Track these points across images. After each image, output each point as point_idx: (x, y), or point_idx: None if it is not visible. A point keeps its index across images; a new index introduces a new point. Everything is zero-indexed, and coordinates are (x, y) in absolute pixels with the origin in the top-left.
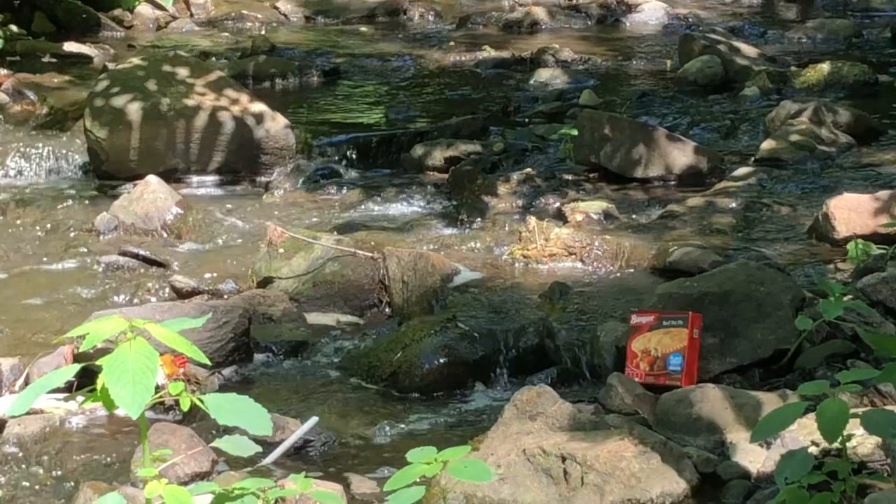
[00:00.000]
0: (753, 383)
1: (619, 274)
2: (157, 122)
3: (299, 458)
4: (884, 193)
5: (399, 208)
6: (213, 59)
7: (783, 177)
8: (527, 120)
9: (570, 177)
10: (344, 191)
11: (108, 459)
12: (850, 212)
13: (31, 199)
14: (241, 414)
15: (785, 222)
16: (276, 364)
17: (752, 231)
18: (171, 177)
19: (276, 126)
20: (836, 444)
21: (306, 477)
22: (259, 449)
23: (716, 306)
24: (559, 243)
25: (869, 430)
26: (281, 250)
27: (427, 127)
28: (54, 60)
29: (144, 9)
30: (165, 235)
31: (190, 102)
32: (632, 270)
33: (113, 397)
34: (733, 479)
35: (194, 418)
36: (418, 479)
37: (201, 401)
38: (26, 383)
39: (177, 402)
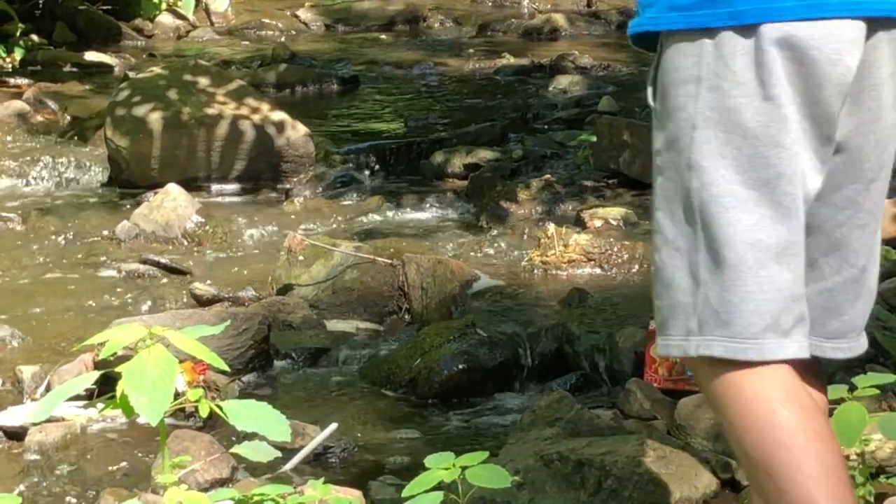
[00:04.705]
0: None
1: (637, 279)
2: (177, 131)
3: (319, 464)
4: None
5: (418, 215)
6: (234, 67)
7: None
8: (546, 126)
9: (589, 183)
10: (363, 198)
11: (129, 466)
12: None
13: (53, 207)
14: (260, 420)
15: None
16: (295, 371)
17: None
18: (192, 185)
19: (296, 134)
20: (853, 449)
21: (325, 483)
22: (279, 454)
23: None
24: (578, 249)
25: (887, 434)
26: (300, 258)
27: (446, 134)
28: (75, 70)
29: (165, 18)
30: (186, 243)
31: (211, 111)
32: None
33: (132, 404)
34: None
35: (214, 425)
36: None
37: (220, 407)
38: (47, 391)
39: (196, 409)
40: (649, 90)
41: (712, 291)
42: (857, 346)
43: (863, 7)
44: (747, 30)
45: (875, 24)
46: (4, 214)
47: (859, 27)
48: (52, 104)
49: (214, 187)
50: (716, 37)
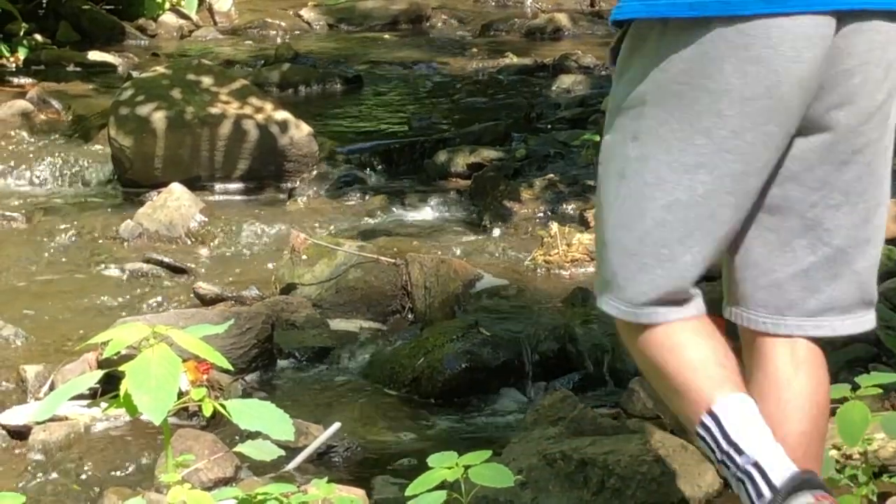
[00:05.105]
0: None
1: None
2: (181, 131)
3: (322, 463)
4: None
5: (422, 214)
6: (237, 67)
7: None
8: (549, 126)
9: (592, 182)
10: (367, 197)
11: (132, 465)
12: None
13: (56, 206)
14: (264, 419)
15: None
16: (299, 370)
17: None
18: (195, 184)
19: (299, 133)
20: (856, 448)
21: (329, 482)
22: (282, 453)
23: None
24: (581, 249)
25: (889, 433)
26: (304, 257)
27: (450, 133)
28: (79, 69)
29: (168, 17)
30: (189, 242)
31: (214, 111)
32: None
33: (136, 403)
34: None
35: (218, 424)
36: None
37: (224, 406)
38: (51, 390)
39: (200, 408)
40: (609, 55)
41: (615, 255)
42: (840, 325)
43: (828, 1)
44: (704, 22)
45: (846, 16)
46: (8, 213)
47: (821, 22)
48: (55, 103)
49: (218, 186)
50: (673, 25)
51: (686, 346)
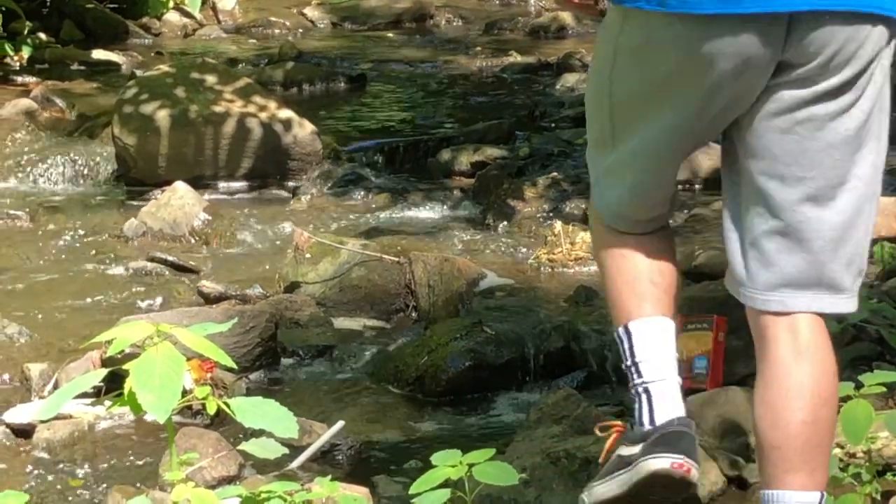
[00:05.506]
0: None
1: None
2: (185, 129)
3: (326, 461)
4: None
5: (425, 213)
6: (241, 65)
7: None
8: (553, 124)
9: None
10: (370, 196)
11: (137, 463)
12: (876, 215)
13: (60, 205)
14: (267, 417)
15: None
16: (302, 368)
17: None
18: (199, 183)
19: (303, 132)
20: (860, 447)
21: (332, 480)
22: (286, 451)
23: (740, 309)
24: (585, 247)
25: (893, 432)
26: (308, 255)
27: (453, 132)
28: (83, 68)
29: (172, 16)
30: (193, 241)
31: (218, 109)
32: None
33: (140, 401)
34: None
35: (221, 422)
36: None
37: (227, 404)
38: (55, 388)
39: (204, 407)
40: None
41: (594, 167)
42: (793, 302)
43: (781, 3)
44: (664, 15)
45: (802, 16)
46: (12, 212)
47: (770, 21)
48: (59, 102)
49: (222, 185)
50: (639, 12)
51: (627, 256)
